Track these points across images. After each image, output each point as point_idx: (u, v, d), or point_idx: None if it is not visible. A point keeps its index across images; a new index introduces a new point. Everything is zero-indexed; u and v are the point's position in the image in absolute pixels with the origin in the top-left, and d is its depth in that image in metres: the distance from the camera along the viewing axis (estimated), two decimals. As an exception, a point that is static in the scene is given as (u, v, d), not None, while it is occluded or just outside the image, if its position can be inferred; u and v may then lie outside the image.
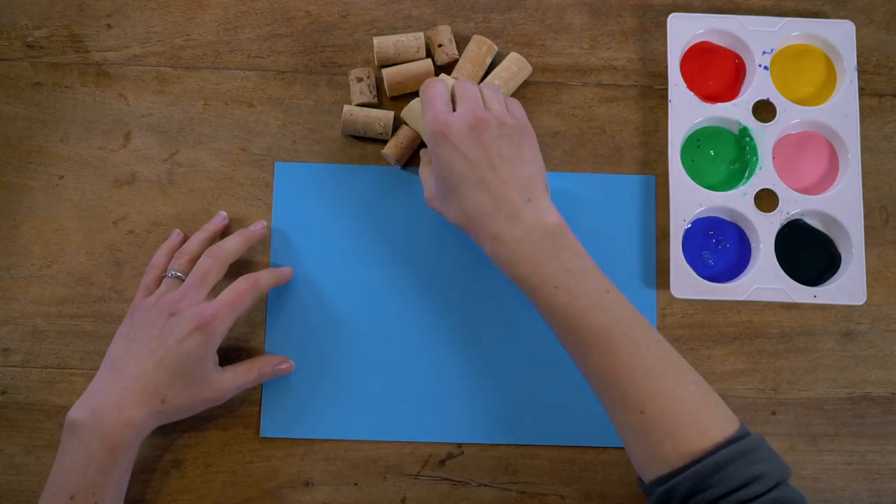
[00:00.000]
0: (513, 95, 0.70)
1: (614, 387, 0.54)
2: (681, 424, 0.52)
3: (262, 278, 0.63)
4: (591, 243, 0.68)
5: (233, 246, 0.64)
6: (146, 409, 0.58)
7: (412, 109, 0.66)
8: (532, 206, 0.57)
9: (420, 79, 0.68)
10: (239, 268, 0.66)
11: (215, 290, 0.63)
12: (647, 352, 0.54)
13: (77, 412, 0.58)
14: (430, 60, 0.68)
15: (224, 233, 0.68)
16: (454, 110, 0.60)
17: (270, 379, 0.64)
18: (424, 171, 0.64)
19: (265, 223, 0.67)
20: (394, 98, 0.69)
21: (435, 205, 0.62)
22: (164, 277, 0.64)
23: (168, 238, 0.67)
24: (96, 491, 0.56)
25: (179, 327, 0.60)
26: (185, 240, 0.67)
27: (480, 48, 0.68)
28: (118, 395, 0.58)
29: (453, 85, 0.61)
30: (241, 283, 0.62)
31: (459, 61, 0.69)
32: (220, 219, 0.67)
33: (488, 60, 0.69)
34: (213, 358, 0.62)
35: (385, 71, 0.68)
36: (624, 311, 0.56)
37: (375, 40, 0.68)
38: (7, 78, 0.70)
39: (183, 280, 0.63)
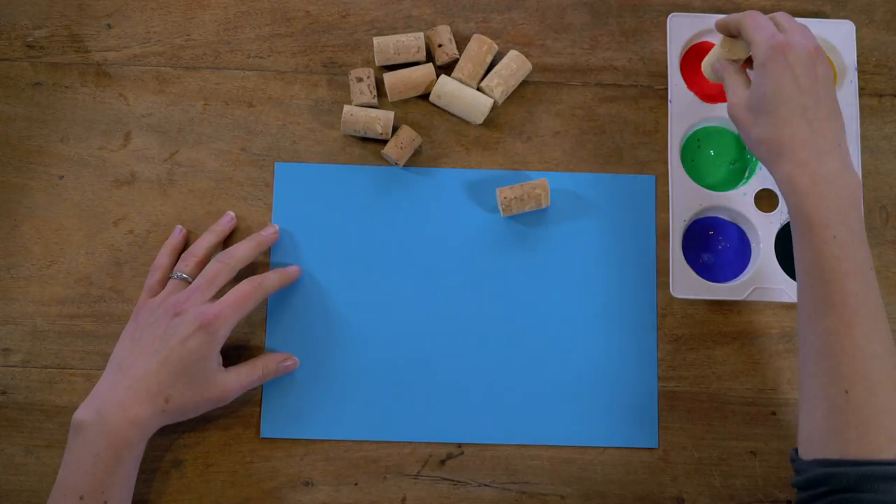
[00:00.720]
0: (512, 94, 0.70)
1: (834, 356, 0.53)
2: (878, 423, 0.51)
3: (267, 280, 0.64)
4: (591, 243, 0.68)
5: (244, 252, 0.64)
6: (150, 409, 0.58)
7: (712, 54, 0.65)
8: (841, 153, 0.57)
9: (421, 84, 0.68)
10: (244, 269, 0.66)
11: (220, 292, 0.63)
12: (879, 339, 0.53)
13: (82, 413, 0.58)
14: (430, 65, 0.68)
15: (231, 234, 0.68)
16: None
17: (275, 377, 0.65)
18: (735, 77, 0.62)
19: (277, 228, 0.67)
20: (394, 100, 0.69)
21: (740, 114, 0.60)
22: (168, 279, 0.64)
23: (170, 236, 0.67)
24: (105, 490, 0.57)
25: (183, 327, 0.60)
26: (187, 237, 0.67)
27: (481, 47, 0.68)
28: (123, 395, 0.58)
29: (776, 16, 0.60)
30: (246, 285, 0.62)
31: (460, 60, 0.69)
32: (227, 219, 0.67)
33: (489, 59, 0.69)
34: (217, 358, 0.62)
35: (386, 76, 0.67)
36: (876, 293, 0.55)
37: (375, 40, 0.68)
38: (7, 78, 0.70)
39: (189, 282, 0.63)
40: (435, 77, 0.68)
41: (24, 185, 0.68)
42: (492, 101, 0.68)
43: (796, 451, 0.55)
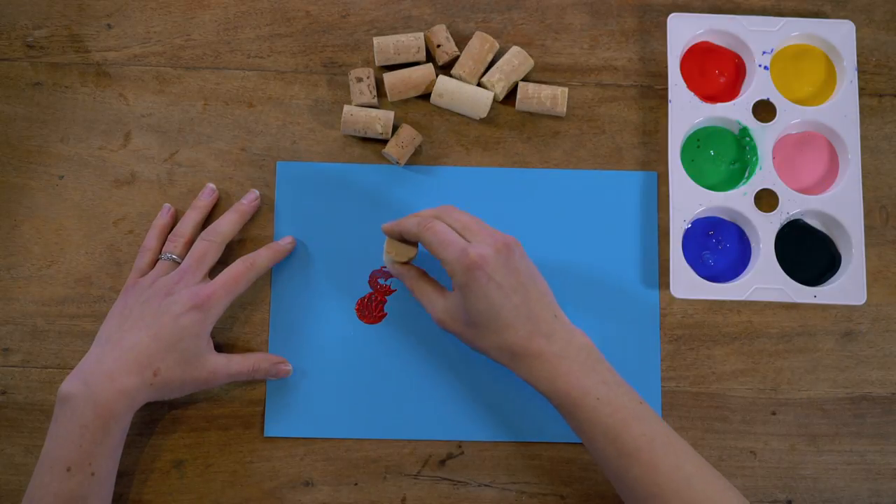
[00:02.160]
0: (512, 93, 0.70)
1: (656, 498, 0.54)
2: None
3: (260, 258, 0.65)
4: (591, 242, 0.68)
5: (228, 225, 0.65)
6: (138, 379, 0.59)
7: (390, 247, 0.63)
8: (560, 322, 0.59)
9: (421, 83, 0.68)
10: (240, 252, 0.66)
11: (211, 272, 0.64)
12: (686, 460, 0.55)
13: (68, 385, 0.58)
14: (430, 65, 0.68)
15: (215, 207, 0.68)
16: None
17: (267, 377, 0.65)
18: (427, 289, 0.62)
19: (257, 193, 0.68)
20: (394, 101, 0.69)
21: (456, 328, 0.60)
22: (157, 260, 0.65)
23: (158, 215, 0.67)
24: (92, 461, 0.57)
25: (176, 306, 0.61)
26: (175, 216, 0.67)
27: (483, 45, 0.69)
28: (111, 365, 0.59)
29: (443, 217, 0.60)
30: (238, 265, 0.64)
31: (461, 58, 0.69)
32: (208, 192, 0.68)
33: (490, 57, 0.69)
34: (209, 340, 0.63)
35: (386, 76, 0.67)
36: (658, 420, 0.57)
37: (375, 40, 0.68)
38: (7, 78, 0.70)
39: (178, 262, 0.64)
40: (435, 76, 0.68)
41: (24, 185, 0.68)
42: (492, 94, 0.68)
43: None
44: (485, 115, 0.68)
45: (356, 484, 0.65)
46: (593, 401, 0.56)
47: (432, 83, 0.68)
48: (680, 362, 0.67)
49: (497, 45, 0.69)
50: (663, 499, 0.54)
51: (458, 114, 0.70)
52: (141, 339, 0.60)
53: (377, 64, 0.69)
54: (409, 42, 0.68)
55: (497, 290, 0.57)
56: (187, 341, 0.60)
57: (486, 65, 0.69)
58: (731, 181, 0.69)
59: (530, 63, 0.69)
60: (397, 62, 0.69)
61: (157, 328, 0.60)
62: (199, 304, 0.61)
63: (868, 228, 0.69)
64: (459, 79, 0.69)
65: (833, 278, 0.67)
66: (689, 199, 0.68)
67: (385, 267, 0.67)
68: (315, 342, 0.66)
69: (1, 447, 0.65)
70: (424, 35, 0.69)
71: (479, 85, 0.70)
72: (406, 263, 0.64)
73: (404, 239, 0.62)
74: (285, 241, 0.67)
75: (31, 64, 0.70)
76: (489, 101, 0.68)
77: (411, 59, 0.69)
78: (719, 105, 0.69)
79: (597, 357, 0.58)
